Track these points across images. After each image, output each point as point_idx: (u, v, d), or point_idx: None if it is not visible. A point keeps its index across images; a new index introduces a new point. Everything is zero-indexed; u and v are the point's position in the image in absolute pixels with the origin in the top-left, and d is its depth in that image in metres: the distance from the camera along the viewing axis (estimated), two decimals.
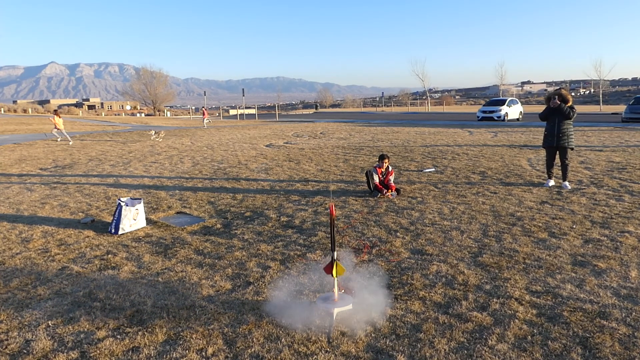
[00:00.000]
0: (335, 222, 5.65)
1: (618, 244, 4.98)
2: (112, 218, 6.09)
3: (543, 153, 10.30)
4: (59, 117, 20.22)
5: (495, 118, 30.17)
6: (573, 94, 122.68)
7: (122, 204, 5.92)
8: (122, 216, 5.88)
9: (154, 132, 20.81)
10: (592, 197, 7.22)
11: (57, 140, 19.53)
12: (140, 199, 6.27)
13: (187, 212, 6.93)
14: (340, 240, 5.34)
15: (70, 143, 18.61)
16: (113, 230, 5.92)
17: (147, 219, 6.36)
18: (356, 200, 7.36)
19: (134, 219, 6.04)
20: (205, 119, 37.55)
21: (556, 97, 8.10)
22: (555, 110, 8.05)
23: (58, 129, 19.86)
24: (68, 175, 10.59)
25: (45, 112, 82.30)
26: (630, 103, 26.45)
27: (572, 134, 8.10)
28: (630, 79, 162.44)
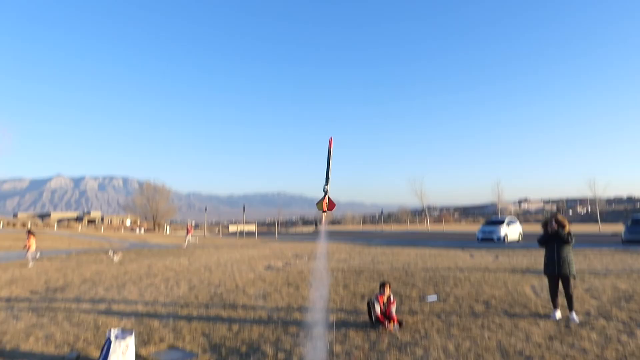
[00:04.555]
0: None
1: None
2: (99, 354, 5.77)
3: (546, 279, 10.13)
4: (34, 237, 18.83)
5: (495, 240, 30.20)
6: (570, 212, 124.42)
7: (112, 337, 5.64)
8: (110, 352, 5.56)
9: (112, 252, 20.67)
10: (603, 331, 6.93)
11: (29, 266, 17.30)
12: (132, 330, 5.99)
13: (180, 347, 6.58)
14: None
15: (30, 265, 17.20)
16: None
17: (137, 354, 6.02)
18: (357, 333, 7.04)
19: (122, 354, 5.71)
20: (188, 236, 35.14)
21: (553, 222, 8.15)
22: (554, 236, 8.05)
23: (30, 250, 18.26)
24: (59, 299, 10.27)
25: (44, 226, 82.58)
26: (629, 224, 26.65)
27: (572, 260, 8.02)
28: (625, 197, 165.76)
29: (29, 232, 19.28)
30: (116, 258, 19.44)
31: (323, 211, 5.45)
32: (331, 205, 4.19)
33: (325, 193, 3.42)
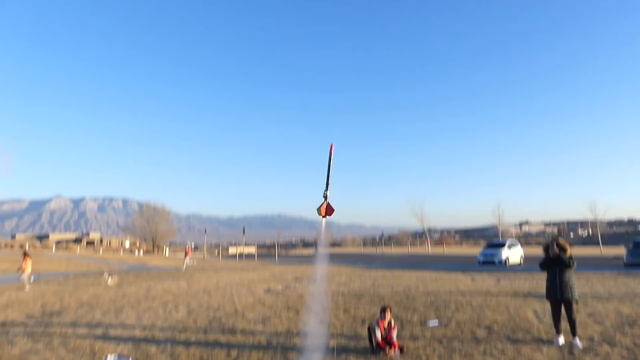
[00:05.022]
0: None
1: None
2: None
3: (548, 304, 10.01)
4: (29, 259, 18.43)
5: (497, 263, 30.00)
6: (572, 235, 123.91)
7: None
8: None
9: (107, 274, 20.48)
10: (607, 358, 6.81)
11: (25, 289, 16.95)
12: (129, 357, 5.91)
13: None
14: None
15: (27, 289, 16.89)
16: None
17: None
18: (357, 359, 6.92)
19: None
20: (187, 259, 34.95)
21: (555, 245, 8.09)
22: (556, 260, 7.99)
23: (25, 272, 17.85)
24: (55, 324, 10.13)
25: (42, 248, 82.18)
26: (630, 247, 26.49)
27: (575, 285, 7.94)
28: (626, 219, 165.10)
29: (25, 254, 18.97)
30: (111, 281, 19.25)
31: (322, 216, 5.58)
32: (330, 210, 4.29)
33: (325, 198, 3.45)
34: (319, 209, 5.49)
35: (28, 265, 18.15)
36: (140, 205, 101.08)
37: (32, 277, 18.45)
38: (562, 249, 8.06)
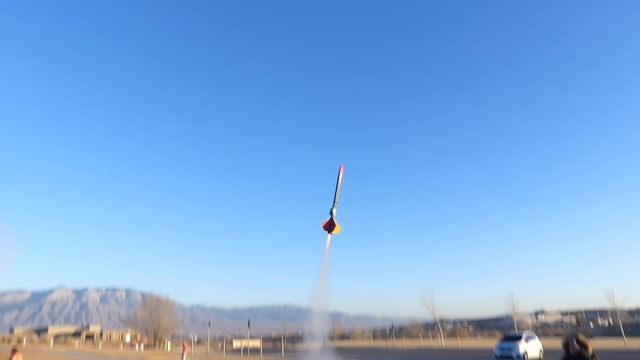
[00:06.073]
0: None
1: None
2: None
3: None
4: (19, 355, 17.58)
5: (515, 357, 28.42)
6: (591, 325, 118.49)
7: None
8: None
9: None
10: None
11: None
12: None
13: None
14: None
15: None
16: None
17: None
18: None
19: None
20: (184, 355, 34.43)
21: (575, 342, 7.63)
22: (577, 358, 7.49)
23: None
24: None
25: (40, 343, 79.37)
26: None
27: None
28: None
29: (14, 350, 17.99)
30: None
31: (328, 232, 5.50)
32: (333, 225, 4.12)
33: (331, 215, 3.23)
34: (326, 225, 5.45)
35: None
36: (144, 296, 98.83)
37: None
38: (584, 346, 7.59)
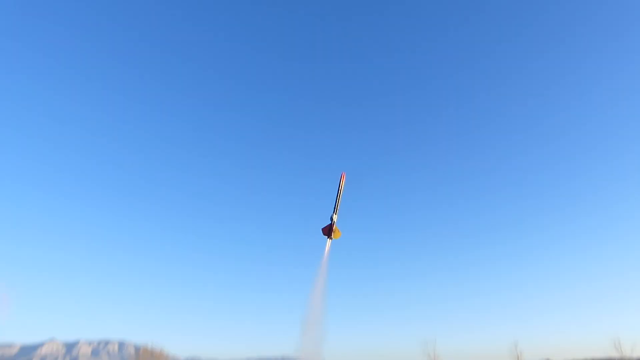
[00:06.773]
0: None
1: None
2: None
3: None
4: None
5: None
6: None
7: None
8: None
9: None
10: None
11: None
12: None
13: None
14: None
15: None
16: None
17: None
18: None
19: None
20: None
21: None
22: None
23: None
24: None
25: None
26: None
27: None
28: None
29: None
30: None
31: (328, 237, 4.87)
32: (327, 229, 3.58)
33: (332, 221, 2.78)
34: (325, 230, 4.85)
35: None
36: (137, 349, 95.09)
37: None
38: None
